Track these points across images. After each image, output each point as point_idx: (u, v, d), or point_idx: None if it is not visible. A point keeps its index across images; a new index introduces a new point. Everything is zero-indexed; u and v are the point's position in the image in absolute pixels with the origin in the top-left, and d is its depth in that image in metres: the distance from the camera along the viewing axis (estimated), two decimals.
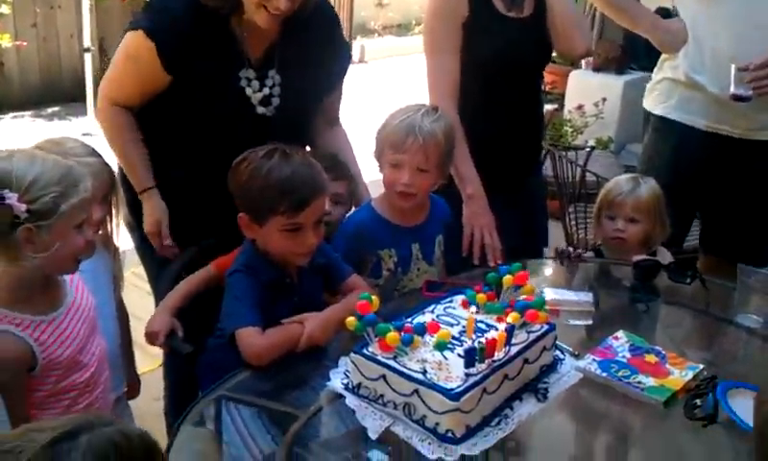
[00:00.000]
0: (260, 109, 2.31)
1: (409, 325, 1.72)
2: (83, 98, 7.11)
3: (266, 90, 2.30)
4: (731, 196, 2.92)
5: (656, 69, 3.06)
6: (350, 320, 1.70)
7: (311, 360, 1.88)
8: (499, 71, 2.55)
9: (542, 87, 2.97)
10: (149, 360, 2.77)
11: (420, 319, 1.82)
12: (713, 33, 2.78)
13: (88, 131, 6.89)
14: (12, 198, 1.60)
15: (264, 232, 1.95)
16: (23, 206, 1.61)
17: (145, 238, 2.37)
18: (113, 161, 2.28)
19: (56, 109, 7.69)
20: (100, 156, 2.18)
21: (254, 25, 2.20)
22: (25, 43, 7.16)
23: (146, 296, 2.57)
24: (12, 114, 7.38)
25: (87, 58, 6.94)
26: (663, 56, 2.99)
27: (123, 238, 2.48)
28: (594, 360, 1.87)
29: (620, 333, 1.99)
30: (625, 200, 2.56)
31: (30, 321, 1.72)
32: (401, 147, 2.21)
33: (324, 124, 2.54)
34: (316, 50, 2.36)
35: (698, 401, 1.71)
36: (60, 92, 7.80)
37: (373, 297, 1.74)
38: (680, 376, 1.82)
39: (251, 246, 2.01)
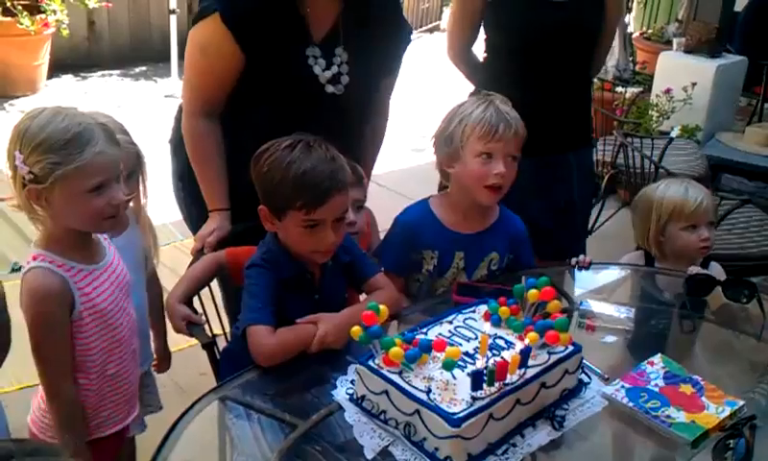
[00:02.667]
0: (329, 88, 2.27)
1: (418, 338, 1.63)
2: (169, 59, 7.21)
3: (334, 69, 2.27)
4: None
5: None
6: (355, 330, 1.61)
7: (323, 363, 1.81)
8: (526, 49, 2.60)
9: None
10: None
11: (435, 330, 1.72)
12: None
13: (171, 92, 7.01)
14: (19, 159, 1.67)
15: (282, 227, 1.88)
16: (26, 169, 1.67)
17: (196, 200, 2.39)
18: (143, 140, 2.26)
19: (143, 68, 7.83)
20: (127, 133, 2.16)
21: (318, 2, 2.19)
22: (111, 4, 7.27)
23: None
24: (100, 72, 7.56)
25: (173, 19, 7.03)
26: None
27: (162, 213, 2.49)
28: (623, 387, 1.74)
29: (657, 358, 1.84)
30: (707, 206, 2.45)
31: (70, 266, 1.76)
32: (495, 135, 2.11)
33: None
34: (379, 28, 2.32)
35: (730, 443, 1.56)
36: (148, 52, 7.95)
37: (381, 307, 1.65)
38: (715, 411, 1.67)
39: (272, 238, 1.95)
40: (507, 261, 2.29)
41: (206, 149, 2.29)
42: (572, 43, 2.63)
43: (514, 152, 2.15)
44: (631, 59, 6.66)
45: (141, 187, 2.21)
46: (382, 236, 2.45)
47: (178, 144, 2.42)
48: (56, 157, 1.65)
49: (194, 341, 2.10)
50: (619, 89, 5.60)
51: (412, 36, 2.51)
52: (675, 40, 5.98)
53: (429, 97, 6.88)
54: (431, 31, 10.79)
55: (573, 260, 2.31)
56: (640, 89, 5.73)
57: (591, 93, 2.99)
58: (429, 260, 2.25)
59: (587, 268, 2.28)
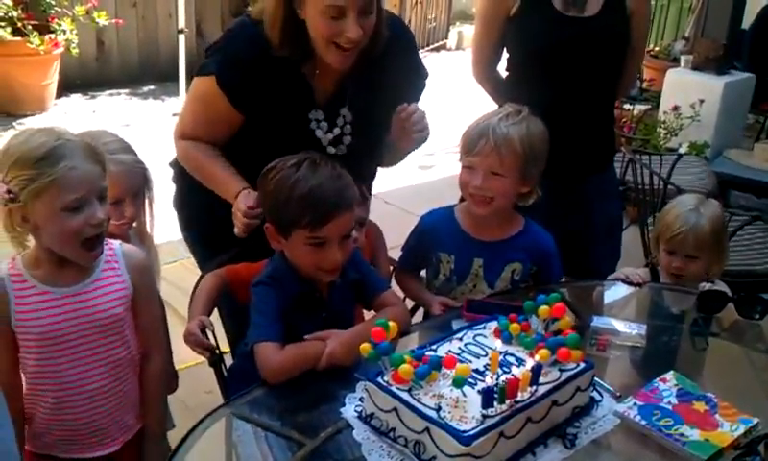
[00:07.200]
0: (331, 150, 2.23)
1: (428, 354, 1.61)
2: (177, 78, 7.22)
3: (336, 131, 2.24)
4: None
5: None
6: (365, 346, 1.60)
7: (332, 380, 1.79)
8: (551, 66, 2.56)
9: (620, 86, 2.82)
10: None
11: (445, 347, 1.71)
12: None
13: (179, 111, 7.00)
14: None
15: (289, 245, 1.87)
16: (4, 187, 1.66)
17: (190, 226, 2.41)
18: (149, 158, 2.24)
19: (152, 87, 7.84)
20: (134, 153, 2.15)
21: (326, 65, 2.13)
22: (122, 21, 7.30)
23: None
24: (109, 91, 7.57)
25: (181, 39, 7.04)
26: None
27: (170, 230, 2.49)
28: (635, 404, 1.71)
29: (669, 375, 1.82)
30: (686, 237, 2.38)
31: (33, 284, 1.76)
32: (473, 150, 2.17)
33: None
34: (390, 80, 2.23)
35: None
36: (156, 71, 7.96)
37: (391, 323, 1.64)
38: (729, 430, 1.64)
39: (280, 257, 1.94)
40: (529, 272, 2.28)
41: (197, 154, 2.23)
42: (594, 60, 2.56)
43: (492, 168, 2.15)
44: (638, 76, 6.65)
45: (147, 208, 2.20)
46: (390, 253, 2.46)
47: (176, 167, 2.40)
48: (29, 172, 1.64)
49: (200, 358, 2.08)
50: (627, 106, 5.59)
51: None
52: (682, 58, 5.97)
53: (436, 116, 6.87)
54: (437, 50, 10.80)
55: (622, 274, 2.35)
56: (648, 106, 5.72)
57: (614, 114, 2.88)
58: (446, 264, 2.27)
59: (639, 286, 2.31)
